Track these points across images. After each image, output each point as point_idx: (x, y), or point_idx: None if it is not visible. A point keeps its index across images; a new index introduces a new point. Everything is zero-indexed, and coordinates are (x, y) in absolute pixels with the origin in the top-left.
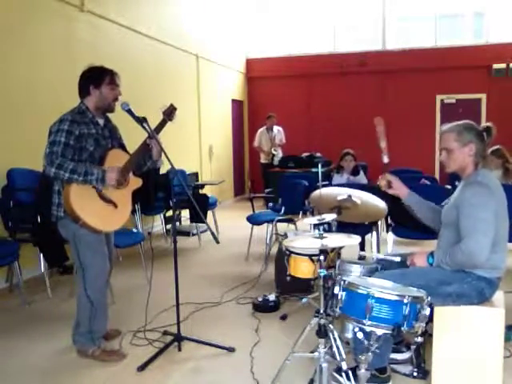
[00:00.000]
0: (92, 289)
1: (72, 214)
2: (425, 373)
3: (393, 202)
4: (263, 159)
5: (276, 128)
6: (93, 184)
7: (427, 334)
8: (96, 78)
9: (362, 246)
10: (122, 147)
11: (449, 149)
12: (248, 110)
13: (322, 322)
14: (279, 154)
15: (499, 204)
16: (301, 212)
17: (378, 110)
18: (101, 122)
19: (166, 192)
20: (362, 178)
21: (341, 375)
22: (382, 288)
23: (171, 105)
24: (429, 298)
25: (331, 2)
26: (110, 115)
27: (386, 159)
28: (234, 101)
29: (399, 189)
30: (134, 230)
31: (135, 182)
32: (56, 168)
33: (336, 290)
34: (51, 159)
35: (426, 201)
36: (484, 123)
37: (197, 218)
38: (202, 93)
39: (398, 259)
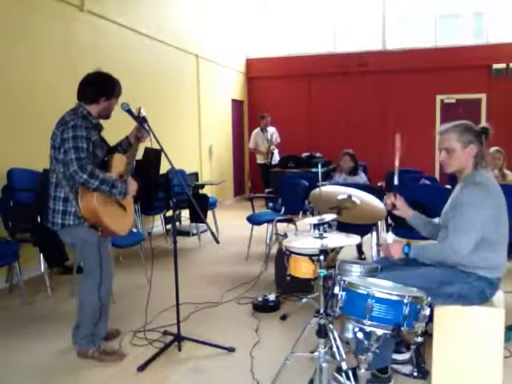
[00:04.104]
0: (103, 292)
1: (96, 219)
2: (425, 373)
3: (398, 220)
4: (260, 160)
5: (271, 128)
6: (115, 196)
7: (427, 334)
8: (109, 90)
9: (360, 247)
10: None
11: (450, 149)
12: (248, 109)
13: (322, 321)
14: (276, 153)
15: (497, 205)
16: (301, 212)
17: (377, 110)
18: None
19: (166, 192)
20: (360, 178)
21: (341, 375)
22: (382, 288)
23: (140, 108)
24: (429, 298)
25: (331, 1)
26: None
27: (396, 180)
28: (234, 101)
29: (403, 210)
30: (134, 230)
31: (133, 185)
32: (88, 175)
33: (336, 290)
34: (82, 165)
35: (429, 219)
36: (483, 123)
37: (197, 218)
38: (202, 93)
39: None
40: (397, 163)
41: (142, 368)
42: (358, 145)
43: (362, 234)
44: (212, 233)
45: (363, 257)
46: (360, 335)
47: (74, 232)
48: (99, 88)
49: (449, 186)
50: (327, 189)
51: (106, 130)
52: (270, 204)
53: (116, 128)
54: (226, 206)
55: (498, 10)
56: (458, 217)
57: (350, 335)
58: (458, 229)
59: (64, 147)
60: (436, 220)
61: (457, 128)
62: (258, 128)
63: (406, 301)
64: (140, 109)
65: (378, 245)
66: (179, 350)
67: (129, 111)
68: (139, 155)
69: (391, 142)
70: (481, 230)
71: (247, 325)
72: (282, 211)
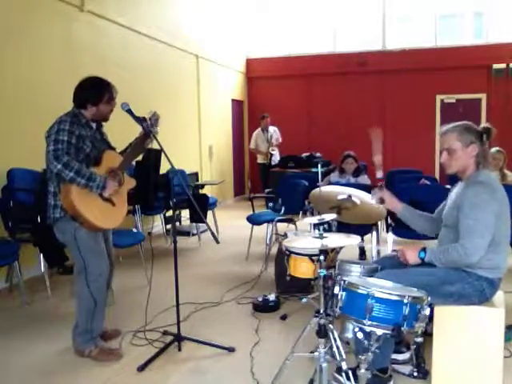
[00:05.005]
0: (94, 288)
1: (73, 211)
2: (425, 373)
3: (389, 213)
4: (260, 160)
5: (272, 128)
6: (93, 190)
7: (427, 334)
8: (95, 96)
9: (362, 247)
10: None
11: (451, 149)
12: (248, 109)
13: (322, 321)
14: (277, 153)
15: (501, 204)
16: (301, 212)
17: (377, 110)
18: (93, 125)
19: (166, 192)
20: (364, 179)
21: (341, 375)
22: (382, 288)
23: (155, 113)
24: (429, 298)
25: (331, 1)
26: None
27: (379, 174)
28: (234, 101)
29: (392, 204)
30: (134, 230)
31: (129, 182)
32: (62, 165)
33: (336, 290)
34: (57, 155)
35: (420, 212)
36: (484, 123)
37: (197, 218)
38: (202, 93)
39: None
40: (378, 157)
41: (141, 368)
42: (358, 145)
43: (362, 234)
44: (212, 233)
45: (363, 257)
46: (360, 335)
47: (64, 227)
48: (85, 95)
49: (449, 186)
50: (327, 189)
51: (108, 129)
52: (270, 204)
53: (117, 127)
54: (226, 206)
55: (497, 9)
56: (468, 219)
57: (349, 335)
58: (470, 231)
59: (47, 141)
60: (430, 214)
61: (457, 128)
62: (259, 128)
63: (405, 301)
64: (155, 113)
65: (394, 250)
66: (179, 350)
67: (129, 111)
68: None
69: (391, 142)
70: (493, 228)
71: (247, 325)
72: (282, 211)
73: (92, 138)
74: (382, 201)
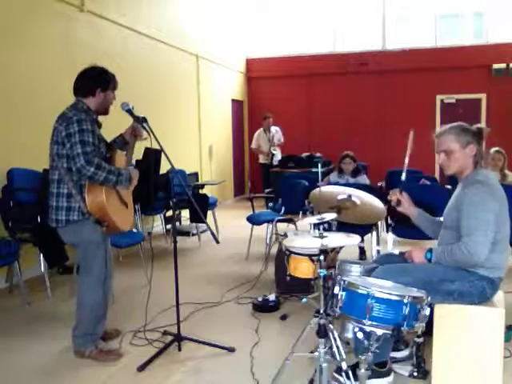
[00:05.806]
0: (104, 291)
1: (102, 213)
2: (425, 373)
3: (401, 218)
4: (262, 159)
5: (274, 128)
6: (123, 184)
7: (427, 334)
8: (104, 81)
9: (362, 247)
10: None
11: (449, 150)
12: (248, 109)
13: (322, 322)
14: (278, 153)
15: (500, 203)
16: (301, 212)
17: (377, 110)
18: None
19: (166, 192)
20: (363, 179)
21: (341, 375)
22: (382, 288)
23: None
24: (429, 298)
25: (331, 1)
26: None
27: (403, 176)
28: (233, 101)
29: (408, 208)
30: (134, 230)
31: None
32: (95, 168)
33: (336, 289)
34: (89, 159)
35: (433, 218)
36: (483, 123)
37: (197, 217)
38: (202, 93)
39: (396, 252)
40: (407, 159)
41: (141, 368)
42: (358, 145)
43: (362, 234)
44: (212, 233)
45: (363, 257)
46: (360, 335)
47: (79, 230)
48: (94, 80)
49: (449, 187)
50: (327, 189)
51: (104, 128)
52: (270, 204)
53: (114, 128)
54: (226, 206)
55: (498, 9)
56: (468, 218)
57: (349, 335)
58: (471, 230)
59: (70, 142)
60: (441, 219)
61: (454, 129)
62: (261, 129)
63: (405, 301)
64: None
65: (401, 253)
66: (179, 349)
67: (129, 111)
68: (139, 155)
69: (390, 141)
70: (494, 226)
71: (247, 325)
72: (282, 211)
73: (101, 137)
74: (398, 202)
